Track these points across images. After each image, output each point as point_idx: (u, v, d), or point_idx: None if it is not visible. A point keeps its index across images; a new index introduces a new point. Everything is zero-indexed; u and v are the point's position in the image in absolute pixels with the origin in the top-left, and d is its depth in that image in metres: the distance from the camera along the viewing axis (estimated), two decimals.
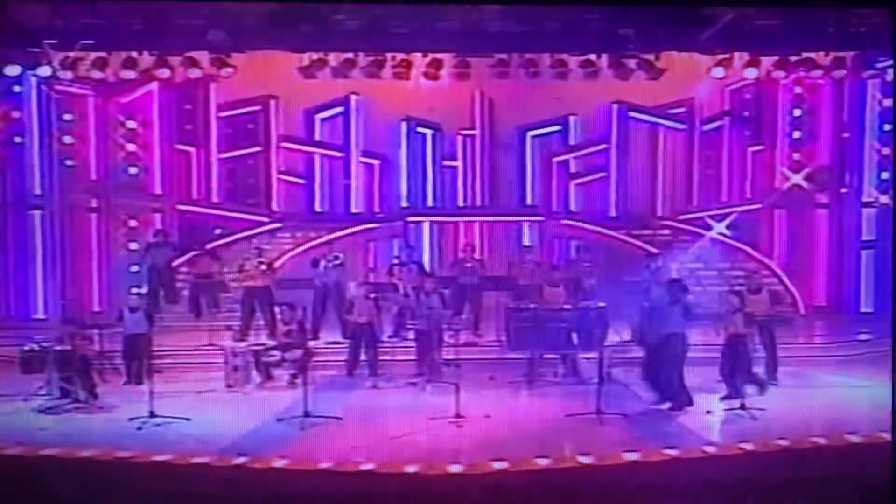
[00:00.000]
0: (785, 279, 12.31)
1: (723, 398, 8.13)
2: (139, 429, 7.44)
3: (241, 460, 6.58)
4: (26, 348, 8.59)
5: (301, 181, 13.38)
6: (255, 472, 6.45)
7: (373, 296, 9.46)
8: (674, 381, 7.96)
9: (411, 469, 6.40)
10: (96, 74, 11.66)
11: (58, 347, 8.35)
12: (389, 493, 6.24)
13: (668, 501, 6.24)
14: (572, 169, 13.38)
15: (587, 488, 6.33)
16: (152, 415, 7.60)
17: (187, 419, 7.67)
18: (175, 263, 11.68)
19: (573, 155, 13.35)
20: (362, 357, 9.31)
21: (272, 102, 13.03)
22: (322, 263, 10.76)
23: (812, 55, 12.03)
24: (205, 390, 8.80)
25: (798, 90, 12.64)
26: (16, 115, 11.57)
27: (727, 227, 12.43)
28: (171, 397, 8.17)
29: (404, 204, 13.15)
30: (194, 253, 11.71)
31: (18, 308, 11.69)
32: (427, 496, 6.20)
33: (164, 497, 6.21)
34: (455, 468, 6.43)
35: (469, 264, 11.10)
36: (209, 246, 11.92)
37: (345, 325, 9.61)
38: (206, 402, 8.46)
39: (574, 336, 8.79)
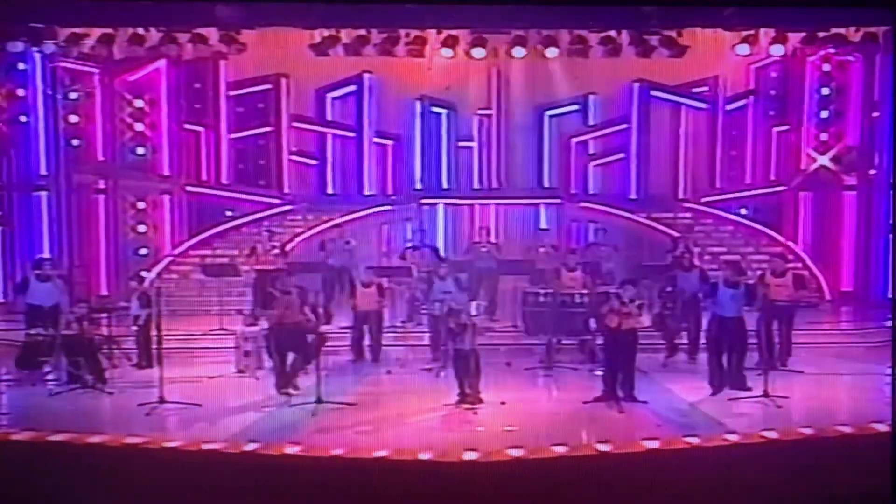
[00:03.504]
0: (810, 263, 12.00)
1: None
2: (148, 414, 7.29)
3: (252, 447, 6.43)
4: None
5: (313, 162, 13.21)
6: (266, 458, 6.29)
7: (374, 282, 9.18)
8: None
9: (425, 456, 6.25)
10: (102, 51, 11.47)
11: (65, 332, 8.20)
12: (403, 480, 6.07)
13: (688, 490, 6.00)
14: (591, 150, 13.14)
15: (606, 477, 6.13)
16: (162, 400, 7.45)
17: (197, 405, 7.51)
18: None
19: (592, 135, 13.11)
20: (367, 343, 9.14)
21: (283, 81, 12.83)
22: (329, 246, 10.54)
23: (842, 31, 11.63)
24: (215, 375, 8.65)
25: (826, 68, 12.25)
26: (20, 93, 11.38)
27: (751, 210, 12.12)
28: (181, 382, 8.02)
29: (418, 186, 12.96)
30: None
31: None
32: (441, 483, 6.02)
33: (173, 484, 6.05)
34: (470, 455, 6.26)
35: (484, 248, 10.87)
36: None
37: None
38: (216, 387, 8.31)
39: (592, 321, 8.55)
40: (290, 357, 7.86)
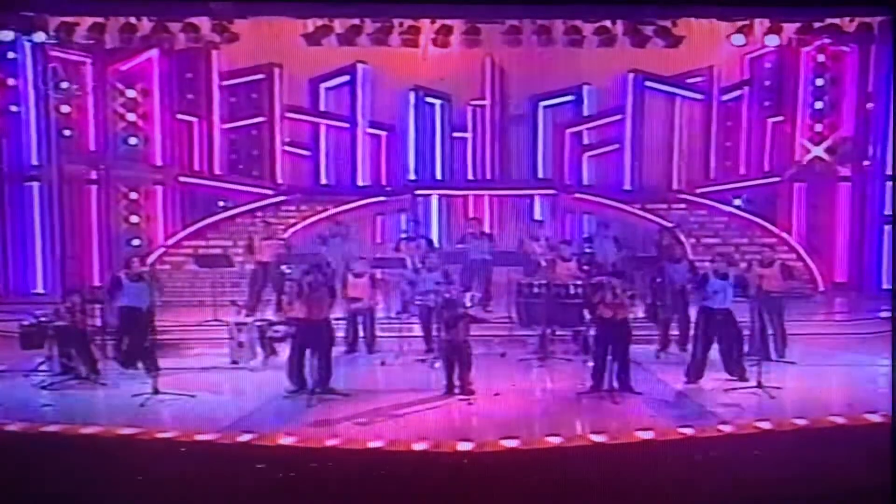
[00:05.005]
0: (803, 254, 12.02)
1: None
2: (142, 405, 7.28)
3: (246, 438, 6.45)
4: (26, 323, 8.40)
5: (306, 153, 13.13)
6: (260, 449, 6.31)
7: (367, 273, 9.15)
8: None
9: (420, 447, 6.28)
10: (94, 41, 11.35)
11: (57, 322, 8.15)
12: (397, 470, 6.08)
13: (682, 480, 6.03)
14: (586, 140, 13.10)
15: (600, 467, 6.15)
16: (156, 391, 7.44)
17: (191, 396, 7.50)
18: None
19: (587, 126, 13.06)
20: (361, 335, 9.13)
21: (276, 71, 12.75)
22: (327, 238, 10.51)
23: (837, 21, 11.61)
24: (209, 366, 8.62)
25: (821, 58, 12.23)
26: (11, 82, 11.26)
27: (745, 201, 12.13)
28: (175, 374, 8.00)
29: (412, 177, 12.89)
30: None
31: (17, 282, 11.48)
32: (436, 474, 6.03)
33: (167, 475, 6.04)
34: (464, 446, 6.28)
35: (478, 239, 10.83)
36: None
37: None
38: (210, 378, 8.28)
39: (586, 312, 8.54)
40: (308, 352, 7.54)
